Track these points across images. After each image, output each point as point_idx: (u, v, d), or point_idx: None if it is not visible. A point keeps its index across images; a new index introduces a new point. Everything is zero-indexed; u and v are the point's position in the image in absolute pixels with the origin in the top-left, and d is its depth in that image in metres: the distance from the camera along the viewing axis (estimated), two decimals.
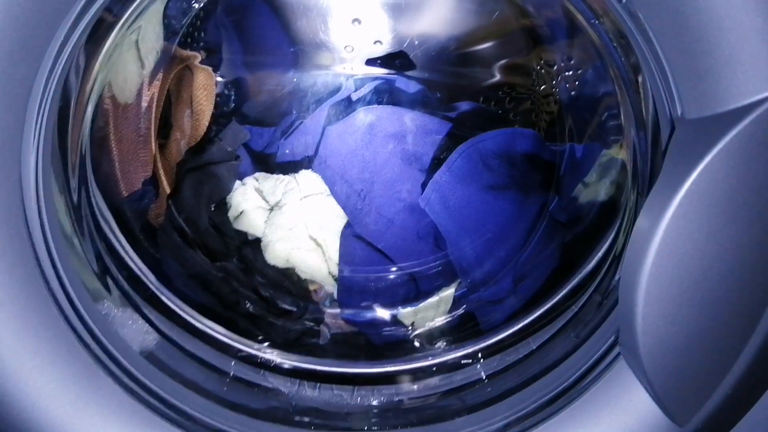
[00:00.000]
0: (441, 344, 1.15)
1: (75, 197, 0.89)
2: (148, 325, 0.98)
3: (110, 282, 0.96)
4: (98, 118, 0.95)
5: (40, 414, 0.81)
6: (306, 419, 0.99)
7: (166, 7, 1.04)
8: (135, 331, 0.94)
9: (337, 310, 1.21)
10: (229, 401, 0.94)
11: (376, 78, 1.19)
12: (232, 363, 1.04)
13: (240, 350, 1.07)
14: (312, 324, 1.18)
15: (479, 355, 1.09)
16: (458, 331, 1.18)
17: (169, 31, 1.07)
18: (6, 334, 0.79)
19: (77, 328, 0.83)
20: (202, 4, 1.10)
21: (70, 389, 0.82)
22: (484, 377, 1.05)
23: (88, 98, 0.89)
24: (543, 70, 1.19)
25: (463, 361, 1.10)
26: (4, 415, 0.80)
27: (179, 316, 1.04)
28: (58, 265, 0.82)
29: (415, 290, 1.22)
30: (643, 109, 0.89)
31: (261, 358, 1.08)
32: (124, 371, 0.86)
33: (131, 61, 1.04)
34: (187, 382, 0.93)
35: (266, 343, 1.10)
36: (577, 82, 1.14)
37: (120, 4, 0.85)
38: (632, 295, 0.78)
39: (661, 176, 0.78)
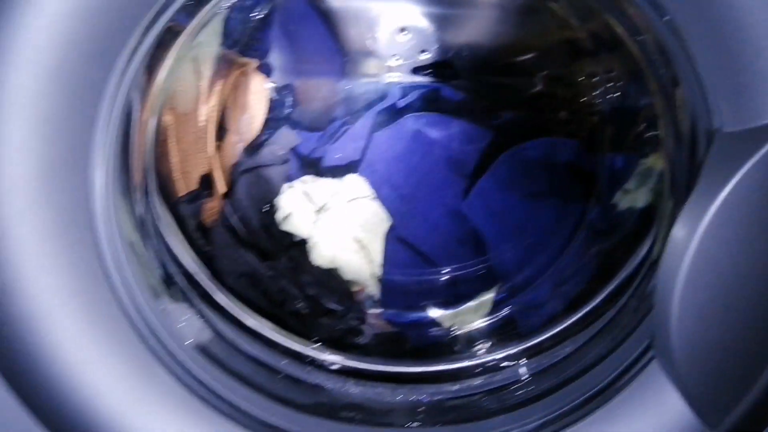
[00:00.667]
0: (481, 346, 1.18)
1: (136, 199, 0.93)
2: (202, 320, 1.01)
3: (167, 279, 0.99)
4: (159, 125, 0.99)
5: (98, 403, 0.85)
6: (350, 414, 1.02)
7: (226, 20, 1.08)
8: (190, 327, 0.98)
9: (380, 311, 1.24)
10: (277, 395, 0.98)
11: (422, 86, 1.22)
12: (281, 359, 1.07)
13: (287, 347, 1.10)
14: (355, 323, 1.21)
15: (519, 357, 1.11)
16: (497, 334, 1.21)
17: (227, 41, 1.11)
18: (69, 326, 0.83)
19: (136, 322, 0.86)
20: (260, 15, 1.13)
21: (127, 380, 0.86)
22: (523, 379, 1.07)
23: (151, 107, 0.93)
24: (585, 81, 1.21)
25: (502, 364, 1.12)
26: (63, 404, 0.84)
27: (231, 313, 1.08)
28: (121, 263, 0.85)
29: (455, 293, 1.25)
30: (682, 121, 0.91)
31: (308, 355, 1.11)
32: (178, 364, 0.89)
33: (189, 72, 1.08)
34: (237, 375, 0.96)
35: (313, 341, 1.13)
36: (617, 94, 1.16)
37: (186, 15, 0.89)
38: (668, 301, 0.80)
39: (697, 186, 0.80)
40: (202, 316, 1.02)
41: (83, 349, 0.84)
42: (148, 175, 0.98)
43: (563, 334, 1.10)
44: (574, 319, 1.10)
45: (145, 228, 0.96)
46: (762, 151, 0.76)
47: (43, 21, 0.74)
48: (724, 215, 0.78)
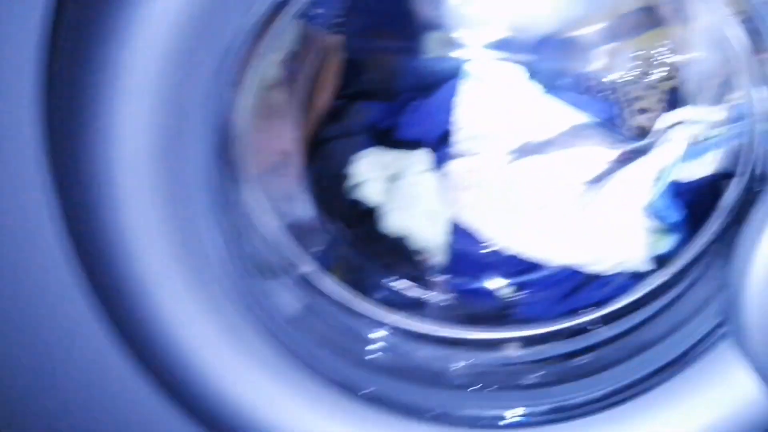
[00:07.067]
0: None
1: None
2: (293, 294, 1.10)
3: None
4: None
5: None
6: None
7: None
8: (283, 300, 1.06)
9: (447, 277, 1.28)
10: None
11: (493, 60, 1.25)
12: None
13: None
14: (424, 290, 1.26)
15: (595, 323, 1.16)
16: None
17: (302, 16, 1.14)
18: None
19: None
20: None
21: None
22: (590, 347, 1.12)
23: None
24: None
25: (574, 329, 1.16)
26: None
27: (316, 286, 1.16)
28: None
29: (523, 264, 1.29)
30: None
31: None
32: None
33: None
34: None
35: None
36: None
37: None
38: (744, 274, 0.86)
39: None
40: (294, 289, 1.08)
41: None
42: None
43: (640, 301, 1.14)
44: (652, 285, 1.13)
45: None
46: None
47: None
48: None
